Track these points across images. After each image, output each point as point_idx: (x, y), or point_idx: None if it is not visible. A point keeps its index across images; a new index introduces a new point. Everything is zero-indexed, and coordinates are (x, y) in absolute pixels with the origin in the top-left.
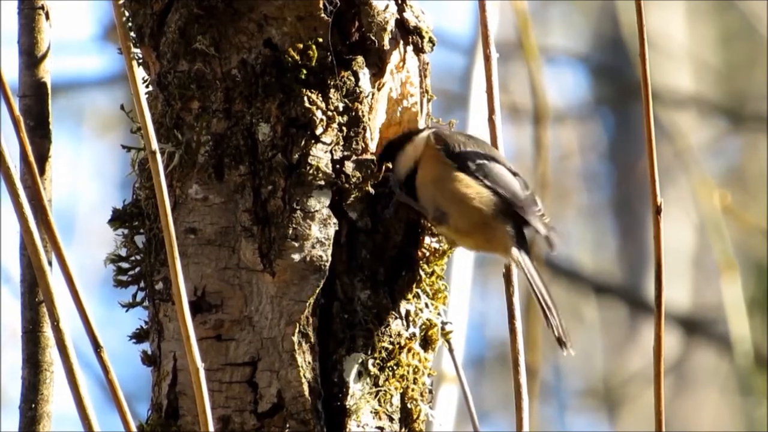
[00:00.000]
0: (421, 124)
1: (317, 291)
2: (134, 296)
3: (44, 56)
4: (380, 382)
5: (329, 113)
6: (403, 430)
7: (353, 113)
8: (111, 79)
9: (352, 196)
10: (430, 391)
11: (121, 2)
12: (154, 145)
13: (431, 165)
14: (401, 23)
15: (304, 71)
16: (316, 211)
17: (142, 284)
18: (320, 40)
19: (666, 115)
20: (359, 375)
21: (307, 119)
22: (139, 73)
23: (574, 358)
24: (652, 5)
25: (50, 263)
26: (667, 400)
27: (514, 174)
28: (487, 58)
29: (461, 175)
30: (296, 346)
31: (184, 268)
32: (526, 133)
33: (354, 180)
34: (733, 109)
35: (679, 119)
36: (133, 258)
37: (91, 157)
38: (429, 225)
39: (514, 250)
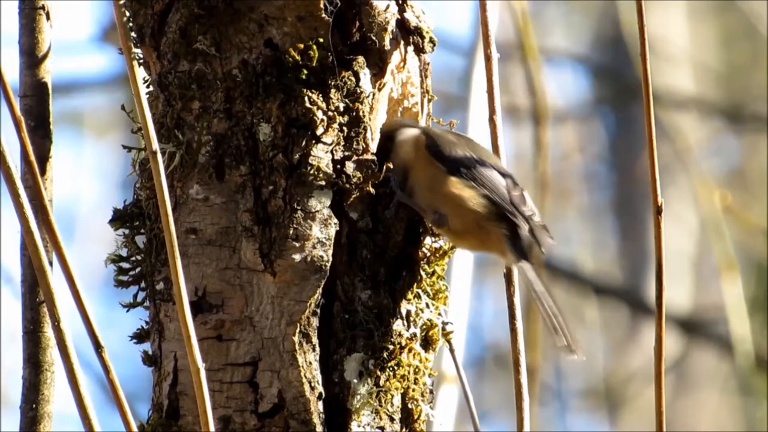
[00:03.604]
0: (422, 124)
1: (318, 291)
2: (135, 296)
3: (45, 56)
4: (381, 383)
5: (330, 113)
6: (403, 430)
7: (354, 113)
8: (112, 79)
9: (353, 196)
10: (431, 391)
11: (121, 2)
12: (155, 145)
13: (423, 168)
14: (402, 23)
15: (305, 71)
16: (317, 211)
17: (142, 284)
18: (321, 40)
19: (666, 115)
20: (360, 375)
21: (307, 119)
22: (140, 73)
23: (575, 359)
24: (652, 6)
25: (51, 263)
26: (668, 400)
27: (504, 174)
28: (488, 58)
29: (453, 179)
30: (297, 346)
31: (185, 268)
32: (526, 133)
33: (355, 180)
34: (734, 110)
35: (679, 120)
36: (133, 258)
37: (92, 157)
38: (430, 225)
39: (511, 255)
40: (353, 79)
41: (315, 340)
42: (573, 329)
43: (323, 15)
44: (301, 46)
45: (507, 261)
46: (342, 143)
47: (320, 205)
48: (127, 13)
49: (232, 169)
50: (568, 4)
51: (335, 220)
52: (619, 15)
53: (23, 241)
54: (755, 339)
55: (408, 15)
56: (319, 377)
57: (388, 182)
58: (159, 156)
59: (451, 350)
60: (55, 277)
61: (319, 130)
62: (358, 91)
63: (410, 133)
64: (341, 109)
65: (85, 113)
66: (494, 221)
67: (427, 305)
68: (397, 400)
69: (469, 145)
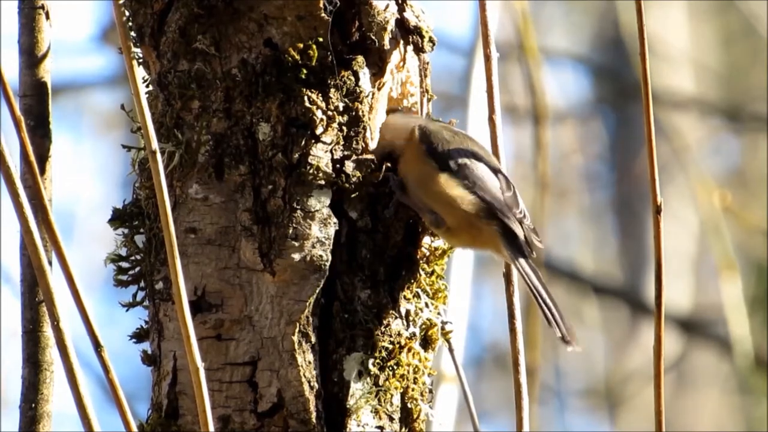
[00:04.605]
0: (418, 117)
1: (317, 290)
2: (134, 296)
3: (44, 56)
4: (380, 382)
5: (329, 113)
6: (403, 429)
7: (353, 113)
8: (111, 78)
9: (353, 195)
10: (430, 391)
11: (121, 2)
12: (155, 144)
13: (415, 164)
14: (401, 23)
15: (305, 71)
16: (317, 210)
17: (142, 284)
18: (320, 39)
19: (666, 115)
20: (359, 374)
21: (307, 119)
22: (140, 72)
23: (575, 359)
24: (652, 6)
25: (50, 263)
26: (668, 400)
27: (497, 172)
28: (488, 58)
29: (443, 177)
30: (296, 346)
31: (184, 267)
32: (526, 133)
33: (354, 180)
34: (734, 110)
35: (679, 120)
36: (133, 257)
37: (92, 156)
38: (428, 225)
39: (506, 251)
40: (353, 78)
41: (314, 339)
42: (569, 321)
43: (323, 14)
44: (301, 45)
45: (502, 257)
46: (341, 143)
47: (320, 204)
48: (127, 13)
49: (231, 168)
50: (568, 4)
51: (335, 220)
52: (619, 15)
53: (23, 240)
54: (755, 339)
55: (407, 14)
56: (318, 377)
57: (387, 182)
58: (158, 155)
59: (451, 350)
60: (54, 277)
61: (319, 130)
62: (358, 90)
63: (405, 121)
64: (341, 108)
65: (85, 113)
66: (486, 220)
67: (427, 305)
68: (396, 400)
69: (464, 143)
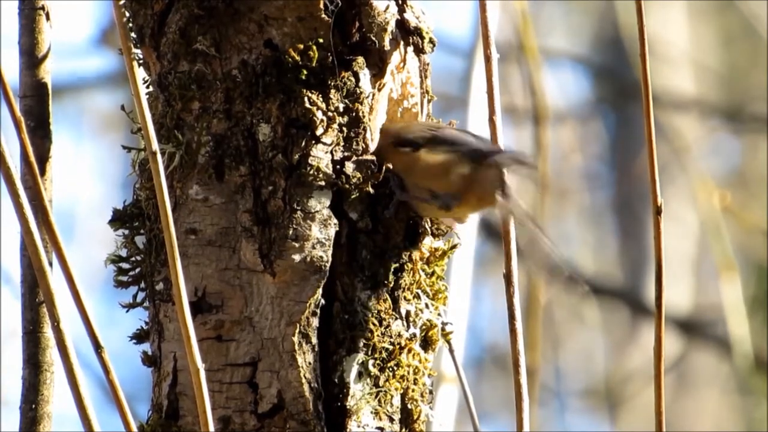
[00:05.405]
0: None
1: (318, 291)
2: (135, 297)
3: (45, 57)
4: (380, 383)
5: (330, 114)
6: (403, 430)
7: (354, 114)
8: (111, 79)
9: (353, 196)
10: (431, 392)
11: (121, 2)
12: (155, 145)
13: (396, 160)
14: (402, 24)
15: (305, 72)
16: (317, 211)
17: (142, 285)
18: (321, 40)
19: (666, 115)
20: (360, 375)
21: (307, 120)
22: (140, 73)
23: (575, 359)
24: (652, 6)
25: (51, 264)
26: (668, 400)
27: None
28: (488, 59)
29: (422, 153)
30: (296, 347)
31: (185, 268)
32: (526, 134)
33: (354, 180)
34: (734, 110)
35: (679, 120)
36: (133, 258)
37: (92, 157)
38: (431, 223)
39: (500, 199)
40: (353, 79)
41: (315, 340)
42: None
43: (323, 15)
44: (301, 46)
45: (500, 208)
46: (342, 143)
47: (320, 205)
48: (127, 14)
49: (231, 169)
50: (568, 4)
51: (335, 221)
52: (619, 15)
53: (23, 241)
54: (754, 339)
55: (408, 15)
56: (318, 377)
57: (387, 182)
58: (159, 156)
59: (451, 350)
60: (54, 278)
61: (319, 131)
62: (358, 91)
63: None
64: (341, 109)
65: (85, 114)
66: (476, 164)
67: (427, 305)
68: (396, 401)
69: (422, 123)
